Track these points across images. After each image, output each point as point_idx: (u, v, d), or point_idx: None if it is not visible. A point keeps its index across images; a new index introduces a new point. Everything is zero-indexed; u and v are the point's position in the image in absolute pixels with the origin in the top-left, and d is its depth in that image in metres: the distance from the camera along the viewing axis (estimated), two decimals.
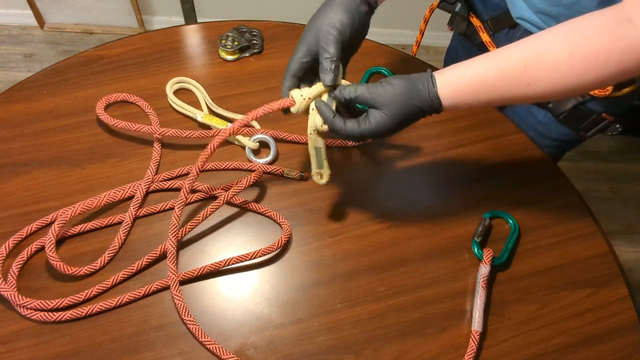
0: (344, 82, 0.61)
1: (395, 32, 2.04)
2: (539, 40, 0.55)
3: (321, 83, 0.60)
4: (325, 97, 0.60)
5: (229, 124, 0.79)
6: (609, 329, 0.65)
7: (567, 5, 0.70)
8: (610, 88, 0.76)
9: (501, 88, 0.55)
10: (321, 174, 0.65)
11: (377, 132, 0.57)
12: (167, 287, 0.64)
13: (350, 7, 0.61)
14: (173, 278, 0.64)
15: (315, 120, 0.60)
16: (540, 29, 0.76)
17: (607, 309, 0.67)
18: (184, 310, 0.62)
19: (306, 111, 0.61)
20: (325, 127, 0.59)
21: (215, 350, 0.60)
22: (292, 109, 0.61)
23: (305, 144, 0.78)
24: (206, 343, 0.61)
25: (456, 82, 0.56)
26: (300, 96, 0.60)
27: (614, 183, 1.79)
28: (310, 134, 0.62)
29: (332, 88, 0.59)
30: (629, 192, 1.78)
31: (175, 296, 0.63)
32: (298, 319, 0.64)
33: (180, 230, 0.67)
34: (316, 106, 0.59)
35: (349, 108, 0.62)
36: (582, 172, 1.81)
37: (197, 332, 0.61)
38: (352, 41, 0.62)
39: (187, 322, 0.62)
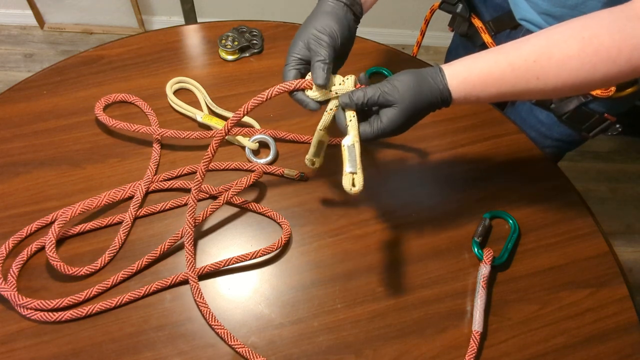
0: (338, 76, 0.60)
1: (395, 32, 2.04)
2: (549, 35, 0.55)
3: (343, 78, 0.59)
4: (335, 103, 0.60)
5: None
6: (609, 329, 0.65)
7: (571, 6, 0.70)
8: (613, 89, 0.76)
9: (511, 81, 0.55)
10: (314, 161, 0.67)
11: (390, 130, 0.57)
12: (167, 287, 0.65)
13: (338, 14, 0.61)
14: (190, 260, 0.64)
15: (327, 119, 0.61)
16: None
17: (607, 309, 0.67)
18: (197, 293, 0.63)
19: (324, 102, 0.61)
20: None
21: (223, 335, 0.61)
22: (309, 92, 0.59)
23: (306, 142, 0.79)
24: (215, 327, 0.62)
25: (465, 73, 0.56)
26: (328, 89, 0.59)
27: (614, 183, 1.80)
28: (320, 129, 0.62)
29: (327, 90, 0.59)
30: (629, 192, 1.78)
31: (190, 278, 0.64)
32: (298, 319, 0.64)
33: (181, 228, 0.68)
34: (336, 116, 0.59)
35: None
36: (582, 172, 1.81)
37: (207, 315, 0.62)
38: (341, 49, 0.62)
39: (200, 304, 0.63)
